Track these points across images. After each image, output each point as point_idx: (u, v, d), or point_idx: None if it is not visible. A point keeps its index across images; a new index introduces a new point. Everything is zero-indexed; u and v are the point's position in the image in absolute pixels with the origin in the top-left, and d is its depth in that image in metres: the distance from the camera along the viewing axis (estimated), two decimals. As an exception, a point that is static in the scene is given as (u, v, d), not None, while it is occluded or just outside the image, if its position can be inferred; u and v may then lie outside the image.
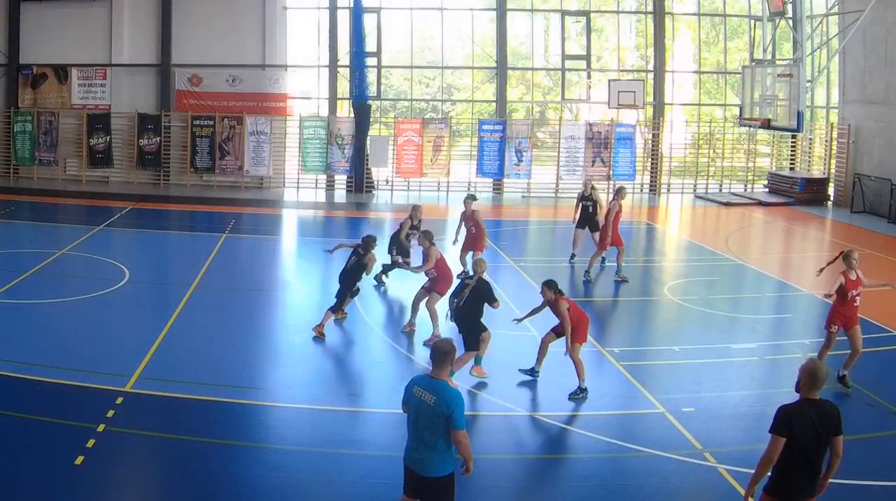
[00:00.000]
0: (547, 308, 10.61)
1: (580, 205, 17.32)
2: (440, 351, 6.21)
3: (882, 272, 17.20)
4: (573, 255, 17.29)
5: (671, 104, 30.05)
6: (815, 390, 5.92)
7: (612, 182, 28.58)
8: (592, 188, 17.56)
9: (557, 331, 10.53)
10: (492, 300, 10.56)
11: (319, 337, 12.20)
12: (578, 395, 10.18)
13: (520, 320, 11.08)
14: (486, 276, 10.81)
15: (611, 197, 17.62)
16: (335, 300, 12.71)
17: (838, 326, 10.44)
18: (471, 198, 16.02)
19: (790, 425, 5.81)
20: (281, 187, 28.00)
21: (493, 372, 11.20)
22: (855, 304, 10.40)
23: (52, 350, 11.08)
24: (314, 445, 8.81)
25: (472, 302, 10.50)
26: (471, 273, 12.12)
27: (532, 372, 10.74)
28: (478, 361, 10.79)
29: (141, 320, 13.06)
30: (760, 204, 27.09)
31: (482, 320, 10.67)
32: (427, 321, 12.20)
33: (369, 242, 12.80)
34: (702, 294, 15.34)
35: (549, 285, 10.38)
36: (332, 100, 28.62)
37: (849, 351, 10.42)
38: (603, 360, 11.52)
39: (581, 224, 17.25)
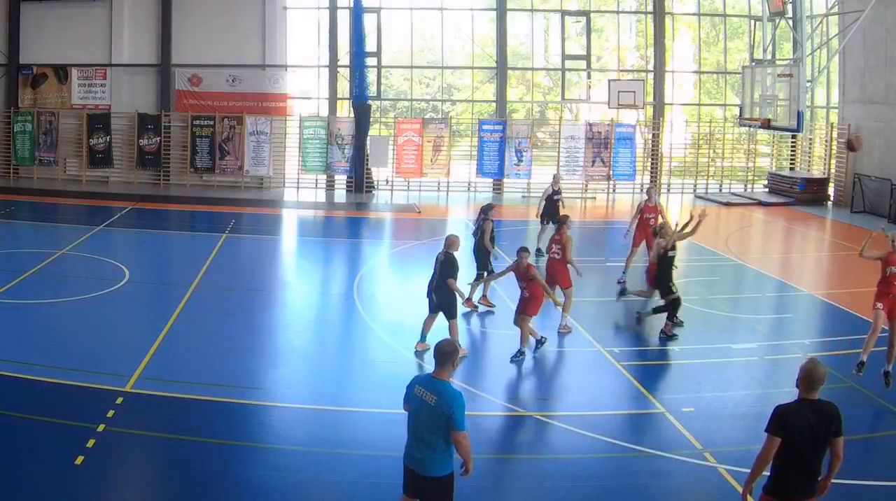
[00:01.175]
0: (511, 274, 11.73)
1: (551, 200, 17.85)
2: (443, 352, 6.18)
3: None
4: (539, 250, 17.22)
5: (671, 104, 30.05)
6: (812, 390, 5.90)
7: (612, 182, 28.65)
8: (560, 184, 18.73)
9: (520, 310, 11.50)
10: (452, 274, 11.14)
11: (472, 308, 13.58)
12: (518, 357, 11.29)
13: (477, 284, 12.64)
14: (456, 254, 11.47)
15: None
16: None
17: (884, 305, 10.32)
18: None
19: (785, 425, 5.80)
20: (281, 187, 28.00)
21: (493, 372, 11.22)
22: (895, 282, 10.36)
23: (52, 350, 11.08)
24: (314, 445, 8.81)
25: (441, 274, 11.22)
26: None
27: (520, 353, 11.42)
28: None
29: (141, 320, 13.05)
30: (760, 204, 27.09)
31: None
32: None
33: (485, 208, 14.20)
34: (702, 294, 15.33)
35: (528, 251, 11.59)
36: (332, 100, 28.63)
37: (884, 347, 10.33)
38: (603, 360, 11.53)
39: (550, 219, 17.49)
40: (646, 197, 16.15)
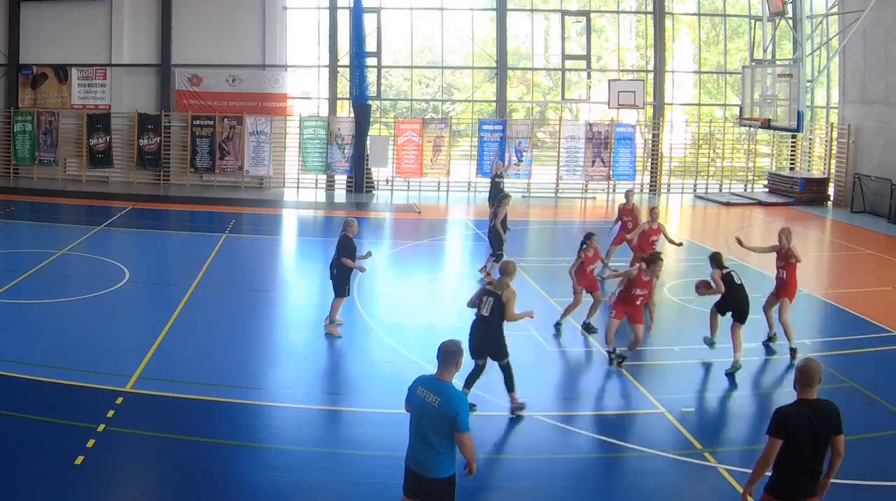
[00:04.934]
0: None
1: (493, 182, 21.03)
2: (446, 352, 6.13)
3: (881, 272, 17.19)
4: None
5: (671, 104, 30.06)
6: (809, 389, 5.90)
7: (612, 182, 28.64)
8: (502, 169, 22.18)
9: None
10: (346, 253, 12.15)
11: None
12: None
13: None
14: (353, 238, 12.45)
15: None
16: None
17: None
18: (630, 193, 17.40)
19: (785, 426, 5.80)
20: (281, 187, 28.02)
21: (493, 372, 11.17)
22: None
23: (52, 350, 11.07)
24: (314, 445, 8.81)
25: (337, 253, 12.27)
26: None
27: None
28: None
29: (141, 320, 13.05)
30: (760, 204, 27.10)
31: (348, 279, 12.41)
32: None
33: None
34: (702, 294, 15.28)
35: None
36: (332, 100, 28.63)
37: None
38: (603, 360, 11.52)
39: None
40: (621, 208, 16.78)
